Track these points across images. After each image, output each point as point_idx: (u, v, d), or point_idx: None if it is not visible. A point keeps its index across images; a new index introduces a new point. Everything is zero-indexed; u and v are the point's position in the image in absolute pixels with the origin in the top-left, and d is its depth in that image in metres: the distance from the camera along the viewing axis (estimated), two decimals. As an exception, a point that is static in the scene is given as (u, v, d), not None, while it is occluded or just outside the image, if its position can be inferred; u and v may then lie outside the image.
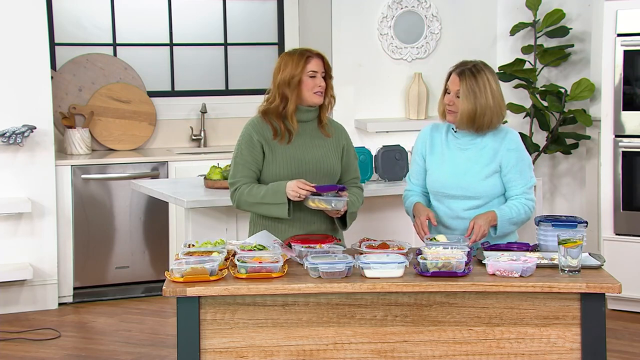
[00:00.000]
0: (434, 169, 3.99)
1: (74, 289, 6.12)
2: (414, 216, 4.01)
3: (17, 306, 5.91)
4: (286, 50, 4.33)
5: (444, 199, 3.97)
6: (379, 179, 5.08)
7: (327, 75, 3.98)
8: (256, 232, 3.97)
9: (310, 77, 3.92)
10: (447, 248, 3.54)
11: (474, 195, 3.90)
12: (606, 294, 3.35)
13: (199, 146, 6.91)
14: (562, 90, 6.49)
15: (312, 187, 3.78)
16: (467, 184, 3.91)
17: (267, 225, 3.95)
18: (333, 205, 3.79)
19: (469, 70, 3.86)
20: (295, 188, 3.78)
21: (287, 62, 3.93)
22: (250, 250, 3.55)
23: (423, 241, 3.86)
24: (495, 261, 3.42)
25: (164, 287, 3.31)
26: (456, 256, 3.40)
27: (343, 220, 3.99)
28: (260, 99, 4.06)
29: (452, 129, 3.99)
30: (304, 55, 3.93)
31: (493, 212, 3.84)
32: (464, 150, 3.94)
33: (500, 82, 6.53)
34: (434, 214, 3.96)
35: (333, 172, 3.99)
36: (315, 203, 3.79)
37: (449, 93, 3.90)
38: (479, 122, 3.85)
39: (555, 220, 3.76)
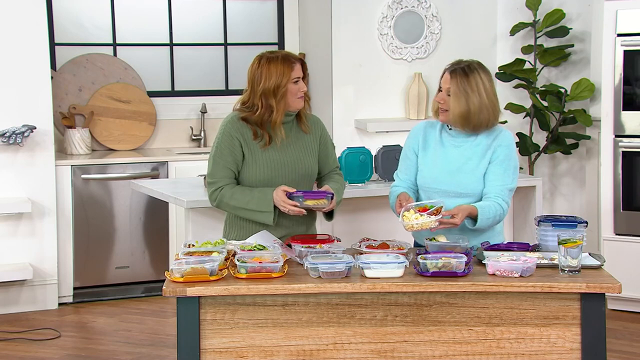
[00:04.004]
0: (426, 166, 3.95)
1: (74, 289, 6.12)
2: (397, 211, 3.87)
3: (17, 306, 5.91)
4: (266, 51, 4.02)
5: (436, 195, 3.90)
6: (379, 179, 5.07)
7: (304, 76, 3.93)
8: (231, 233, 3.99)
9: (294, 82, 3.86)
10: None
11: (466, 192, 3.85)
12: (606, 294, 3.35)
13: (199, 146, 6.91)
14: (562, 90, 6.49)
15: (294, 191, 3.79)
16: (460, 181, 3.87)
17: (243, 226, 3.95)
18: (321, 203, 3.82)
19: (461, 69, 3.81)
20: (282, 204, 3.78)
21: (270, 70, 3.82)
22: (250, 250, 3.55)
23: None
24: (495, 261, 3.43)
25: (164, 287, 3.30)
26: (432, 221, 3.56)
27: (329, 213, 3.97)
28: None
29: (447, 126, 3.96)
30: (287, 61, 3.85)
31: (474, 208, 3.75)
32: (458, 147, 3.91)
33: (500, 82, 6.69)
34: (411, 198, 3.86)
35: (310, 173, 3.99)
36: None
37: (441, 91, 3.88)
38: (474, 121, 3.81)
39: (555, 220, 3.75)
